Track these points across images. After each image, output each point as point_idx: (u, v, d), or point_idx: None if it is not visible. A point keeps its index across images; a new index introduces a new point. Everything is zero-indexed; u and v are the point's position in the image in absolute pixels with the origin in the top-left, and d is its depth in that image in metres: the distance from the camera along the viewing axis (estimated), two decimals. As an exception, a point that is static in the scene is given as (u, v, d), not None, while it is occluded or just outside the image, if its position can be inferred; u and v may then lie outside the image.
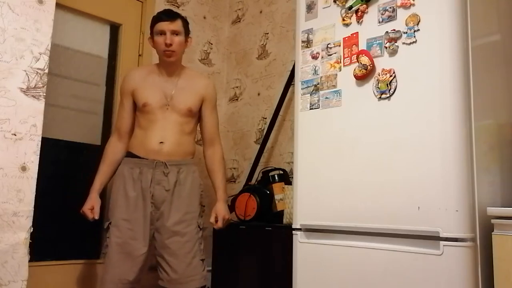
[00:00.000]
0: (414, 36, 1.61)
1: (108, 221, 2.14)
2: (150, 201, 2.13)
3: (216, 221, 2.23)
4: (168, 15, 2.22)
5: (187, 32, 2.27)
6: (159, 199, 2.14)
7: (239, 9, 3.26)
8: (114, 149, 2.24)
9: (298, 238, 1.86)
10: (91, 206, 2.13)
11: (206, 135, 2.35)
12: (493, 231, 1.44)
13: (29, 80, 1.80)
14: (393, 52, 1.66)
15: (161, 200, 2.14)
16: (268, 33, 3.03)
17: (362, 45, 1.75)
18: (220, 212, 2.24)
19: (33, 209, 1.76)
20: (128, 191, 2.13)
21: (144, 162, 2.16)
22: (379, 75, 1.68)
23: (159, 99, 2.20)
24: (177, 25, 2.21)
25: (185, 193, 2.18)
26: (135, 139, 2.22)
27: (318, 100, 1.87)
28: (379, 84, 1.68)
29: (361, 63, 1.72)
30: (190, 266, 2.11)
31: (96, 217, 2.14)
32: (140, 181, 2.14)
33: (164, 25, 2.19)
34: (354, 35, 1.78)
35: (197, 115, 2.31)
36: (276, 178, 2.54)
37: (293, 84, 2.11)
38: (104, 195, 2.29)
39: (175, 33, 2.20)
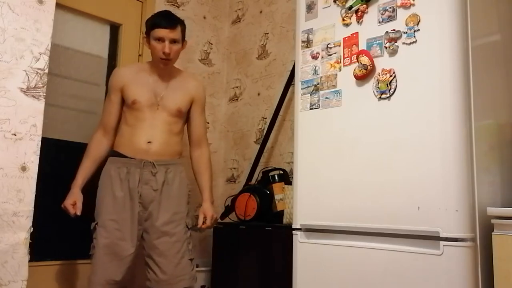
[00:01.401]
0: (414, 36, 1.61)
1: (94, 221, 2.11)
2: (138, 201, 2.11)
3: (204, 222, 2.24)
4: (168, 21, 2.17)
5: (184, 36, 2.25)
6: (147, 199, 2.13)
7: (239, 9, 3.26)
8: (99, 145, 2.21)
9: (298, 238, 1.86)
10: (73, 202, 2.10)
11: (194, 137, 2.34)
12: (493, 231, 1.44)
13: (29, 80, 1.80)
14: (393, 52, 1.66)
15: (149, 200, 2.13)
16: (268, 33, 3.03)
17: (362, 45, 1.75)
18: (208, 212, 2.24)
19: (33, 209, 1.76)
20: (115, 191, 2.11)
21: (132, 161, 2.14)
22: (379, 75, 1.68)
23: (148, 97, 2.19)
24: (177, 33, 2.18)
25: (174, 193, 2.17)
26: (122, 137, 2.20)
27: (318, 100, 1.87)
28: (379, 84, 1.68)
29: (361, 63, 1.72)
30: (178, 266, 2.10)
31: (78, 213, 2.10)
32: (127, 181, 2.12)
33: (163, 33, 2.14)
34: (354, 35, 1.78)
35: (185, 116, 2.30)
36: (276, 178, 2.54)
37: (293, 84, 2.11)
38: (93, 195, 2.27)
39: (173, 41, 2.17)
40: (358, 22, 1.78)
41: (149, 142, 2.16)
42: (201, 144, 2.35)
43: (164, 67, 2.21)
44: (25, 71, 1.79)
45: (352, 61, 1.77)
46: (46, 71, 1.84)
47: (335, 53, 1.84)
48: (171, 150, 2.22)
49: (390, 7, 1.68)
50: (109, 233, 2.07)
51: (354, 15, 1.79)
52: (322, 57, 1.88)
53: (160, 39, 2.16)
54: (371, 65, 1.70)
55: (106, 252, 2.05)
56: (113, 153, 2.21)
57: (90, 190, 2.19)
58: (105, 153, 2.21)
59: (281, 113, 2.80)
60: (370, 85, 1.71)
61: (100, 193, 2.14)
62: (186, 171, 2.28)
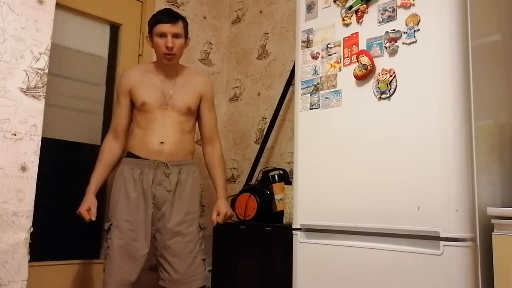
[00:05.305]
0: (414, 36, 1.61)
1: (109, 222, 2.12)
2: (152, 202, 2.12)
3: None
4: (169, 16, 2.18)
5: (186, 32, 2.26)
6: (160, 200, 2.13)
7: (239, 9, 3.26)
8: (111, 149, 2.22)
9: (298, 238, 1.86)
10: (88, 207, 2.11)
11: (205, 133, 2.35)
12: (493, 231, 1.44)
13: (29, 80, 1.80)
14: (393, 52, 1.66)
15: (163, 201, 2.14)
16: (268, 33, 3.03)
17: (362, 45, 1.75)
18: (222, 209, 2.25)
19: (33, 209, 1.76)
20: (129, 192, 2.12)
21: (145, 162, 2.15)
22: (379, 75, 1.68)
23: (157, 98, 2.19)
24: (179, 27, 2.19)
25: (186, 193, 2.18)
26: (135, 139, 2.21)
27: (318, 100, 1.87)
28: (379, 84, 1.68)
29: (361, 63, 1.72)
30: (192, 266, 2.11)
31: (93, 218, 2.11)
32: (141, 182, 2.13)
33: (165, 27, 2.16)
34: (354, 35, 1.78)
35: (195, 114, 2.31)
36: (276, 178, 2.54)
37: (293, 84, 2.11)
38: (102, 195, 2.28)
39: (176, 35, 2.18)
40: (358, 22, 1.78)
41: (162, 142, 2.17)
42: (212, 140, 2.35)
43: (168, 63, 2.21)
44: (25, 71, 1.79)
45: (352, 61, 1.77)
46: (46, 71, 1.84)
47: (335, 53, 1.84)
48: (184, 150, 2.23)
49: (390, 7, 1.68)
50: (123, 233, 2.08)
51: (354, 15, 1.79)
52: (322, 57, 1.88)
53: (162, 35, 2.17)
54: (371, 65, 1.70)
55: (121, 253, 2.06)
56: (126, 154, 2.22)
57: (98, 191, 2.21)
58: (117, 156, 2.22)
59: (281, 113, 2.80)
60: (370, 85, 1.71)
61: (114, 194, 2.15)
62: (198, 170, 2.29)
